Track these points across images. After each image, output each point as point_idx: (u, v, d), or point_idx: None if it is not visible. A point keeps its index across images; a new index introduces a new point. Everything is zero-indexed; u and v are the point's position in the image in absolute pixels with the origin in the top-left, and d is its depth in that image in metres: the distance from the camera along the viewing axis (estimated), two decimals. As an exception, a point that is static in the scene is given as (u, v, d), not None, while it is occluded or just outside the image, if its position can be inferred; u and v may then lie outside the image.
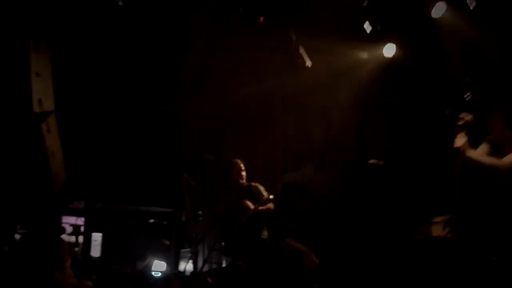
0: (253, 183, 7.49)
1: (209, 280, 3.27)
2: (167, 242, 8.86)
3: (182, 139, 9.18)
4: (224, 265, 8.23)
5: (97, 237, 9.23)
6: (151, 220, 9.28)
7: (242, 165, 7.48)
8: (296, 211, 8.56)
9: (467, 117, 5.46)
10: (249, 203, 7.27)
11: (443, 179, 6.37)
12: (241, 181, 7.46)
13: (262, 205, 7.25)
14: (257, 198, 7.37)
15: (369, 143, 8.80)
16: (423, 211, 7.53)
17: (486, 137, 5.42)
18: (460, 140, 5.32)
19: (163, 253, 8.78)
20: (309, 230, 8.00)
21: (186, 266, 8.26)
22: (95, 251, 9.19)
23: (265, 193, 7.39)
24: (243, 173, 7.45)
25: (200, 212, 7.88)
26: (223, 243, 7.61)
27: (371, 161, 8.39)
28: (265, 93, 9.04)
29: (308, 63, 8.45)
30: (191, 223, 8.44)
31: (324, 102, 9.00)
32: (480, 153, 5.36)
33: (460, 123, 5.44)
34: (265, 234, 7.26)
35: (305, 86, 8.78)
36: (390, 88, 8.42)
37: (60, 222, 8.40)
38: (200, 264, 8.24)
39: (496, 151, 5.28)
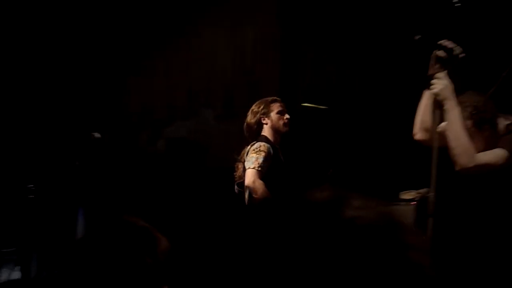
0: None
1: None
2: None
3: None
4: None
5: None
6: None
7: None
8: (189, 182, 6.44)
9: (451, 46, 3.46)
10: None
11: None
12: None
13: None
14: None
15: (301, 78, 6.58)
16: (385, 180, 5.80)
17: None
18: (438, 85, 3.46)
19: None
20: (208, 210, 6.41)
21: (10, 275, 6.24)
22: None
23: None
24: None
25: (32, 186, 5.67)
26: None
27: (307, 104, 6.21)
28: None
29: None
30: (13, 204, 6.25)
31: (237, 12, 6.62)
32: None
33: (438, 54, 3.47)
34: None
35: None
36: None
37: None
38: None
39: None
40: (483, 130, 3.58)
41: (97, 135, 5.81)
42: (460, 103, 3.43)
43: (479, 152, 3.53)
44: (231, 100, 6.73)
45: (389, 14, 6.10)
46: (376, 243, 1.15)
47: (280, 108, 5.02)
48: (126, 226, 2.85)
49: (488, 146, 3.57)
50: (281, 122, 4.98)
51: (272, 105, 5.05)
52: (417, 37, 3.47)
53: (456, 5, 5.43)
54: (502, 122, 3.65)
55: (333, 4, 6.35)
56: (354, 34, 6.29)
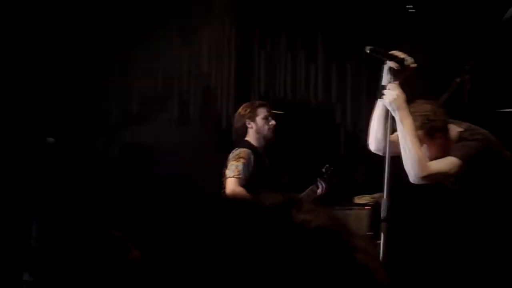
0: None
1: None
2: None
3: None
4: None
5: None
6: None
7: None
8: (144, 189, 6.18)
9: (402, 56, 3.43)
10: None
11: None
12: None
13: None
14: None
15: (257, 82, 6.49)
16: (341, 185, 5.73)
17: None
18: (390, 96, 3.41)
19: None
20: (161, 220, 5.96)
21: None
22: None
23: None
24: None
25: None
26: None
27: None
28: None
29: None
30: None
31: (192, 16, 6.44)
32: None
33: (390, 65, 3.42)
34: None
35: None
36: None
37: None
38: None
39: None
40: (435, 138, 3.59)
41: (50, 140, 5.65)
42: (411, 113, 3.44)
43: (432, 160, 3.54)
44: (186, 105, 6.65)
45: (345, 21, 6.11)
46: (326, 246, 1.13)
47: (266, 113, 4.88)
48: (99, 233, 2.80)
49: (441, 154, 3.58)
50: (266, 128, 4.85)
51: (258, 109, 4.91)
52: (368, 48, 3.45)
53: (410, 10, 5.47)
54: (455, 129, 3.65)
55: (289, 10, 6.33)
56: (309, 39, 6.28)
